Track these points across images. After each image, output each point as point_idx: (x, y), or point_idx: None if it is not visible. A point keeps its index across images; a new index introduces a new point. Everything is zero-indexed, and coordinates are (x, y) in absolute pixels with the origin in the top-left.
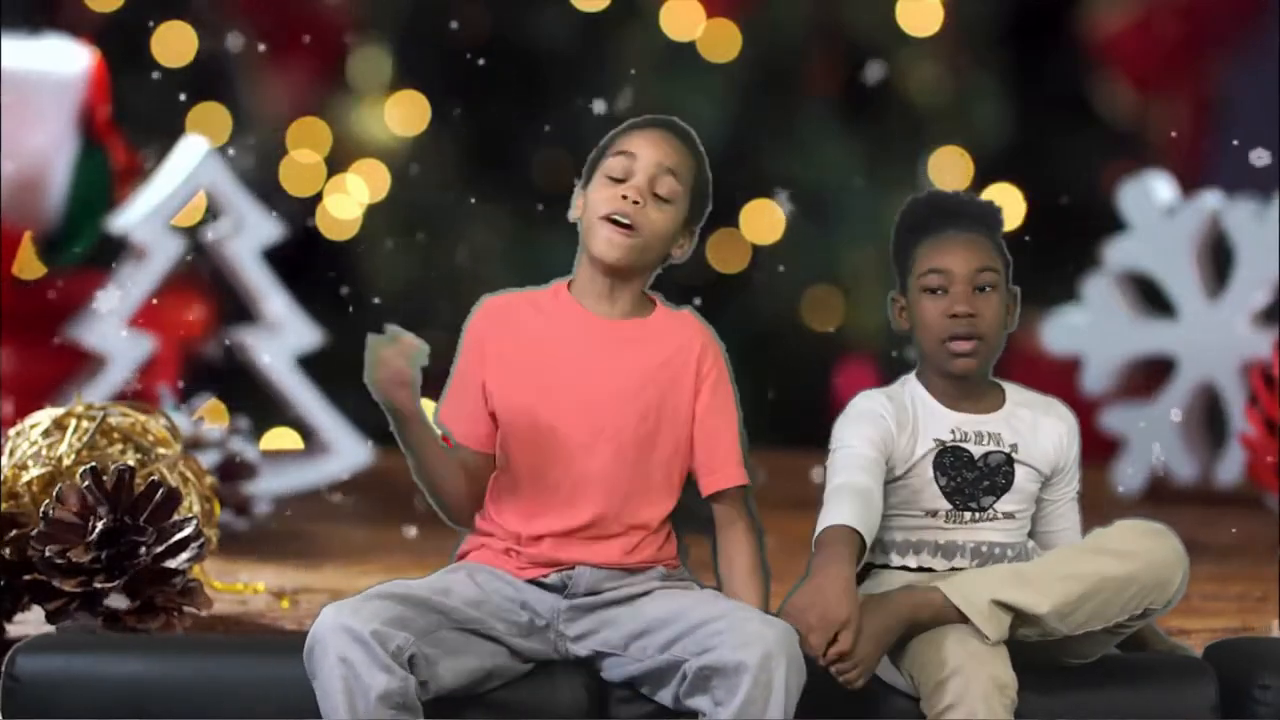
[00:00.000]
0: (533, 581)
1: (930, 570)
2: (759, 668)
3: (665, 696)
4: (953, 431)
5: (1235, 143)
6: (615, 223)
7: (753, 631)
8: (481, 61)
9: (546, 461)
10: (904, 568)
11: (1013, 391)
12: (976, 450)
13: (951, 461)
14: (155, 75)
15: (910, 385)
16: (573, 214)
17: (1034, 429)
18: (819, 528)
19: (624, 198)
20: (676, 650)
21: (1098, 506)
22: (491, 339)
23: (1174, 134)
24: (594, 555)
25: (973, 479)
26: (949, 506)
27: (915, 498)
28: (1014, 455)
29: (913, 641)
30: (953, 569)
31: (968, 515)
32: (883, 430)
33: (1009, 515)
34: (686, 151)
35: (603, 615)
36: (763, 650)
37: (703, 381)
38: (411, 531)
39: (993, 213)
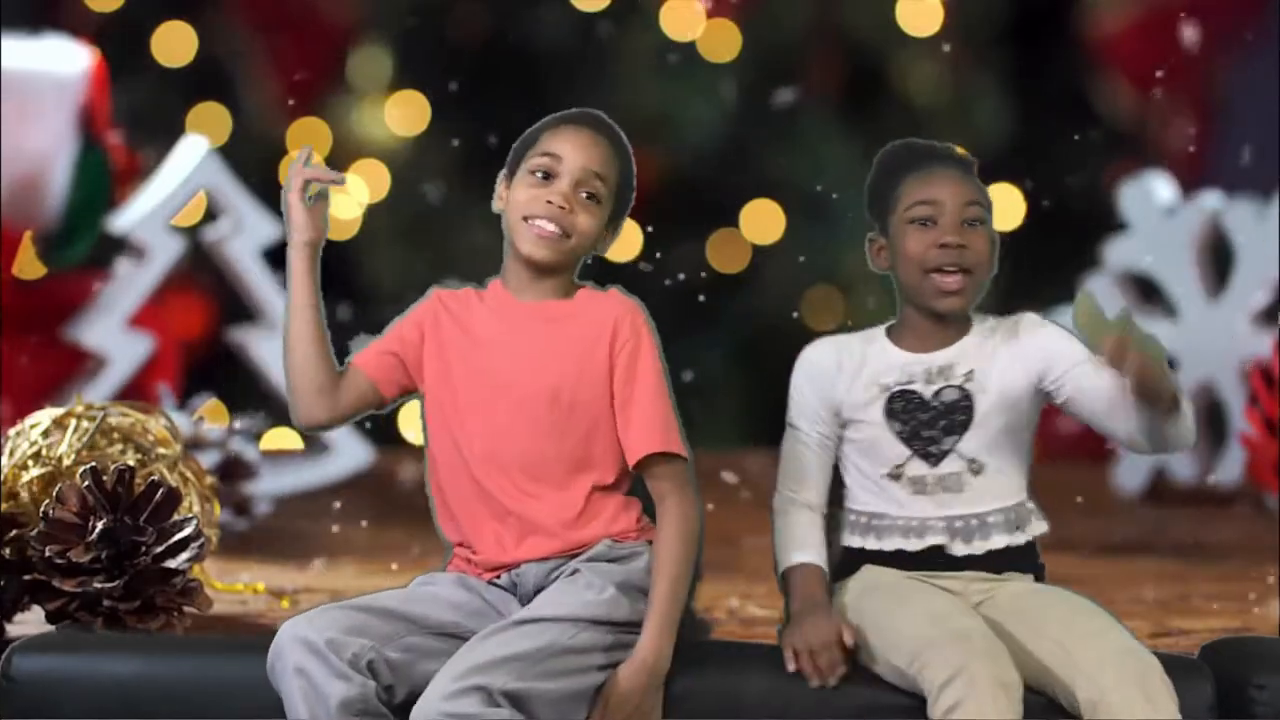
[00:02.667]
0: (492, 583)
1: (903, 552)
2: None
3: None
4: (900, 372)
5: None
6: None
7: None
8: (481, 62)
9: (472, 448)
10: (880, 551)
11: (980, 321)
12: (927, 390)
13: (903, 406)
14: (155, 75)
15: (873, 332)
16: (496, 205)
17: (994, 354)
18: (783, 556)
19: (549, 202)
20: None
21: (1098, 506)
22: (429, 323)
23: (1174, 134)
24: (534, 550)
25: (927, 419)
26: (908, 452)
27: (874, 449)
28: (968, 386)
29: (913, 641)
30: (929, 548)
31: (929, 463)
32: (822, 390)
33: (975, 464)
34: (612, 152)
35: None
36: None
37: (618, 354)
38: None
39: (971, 161)
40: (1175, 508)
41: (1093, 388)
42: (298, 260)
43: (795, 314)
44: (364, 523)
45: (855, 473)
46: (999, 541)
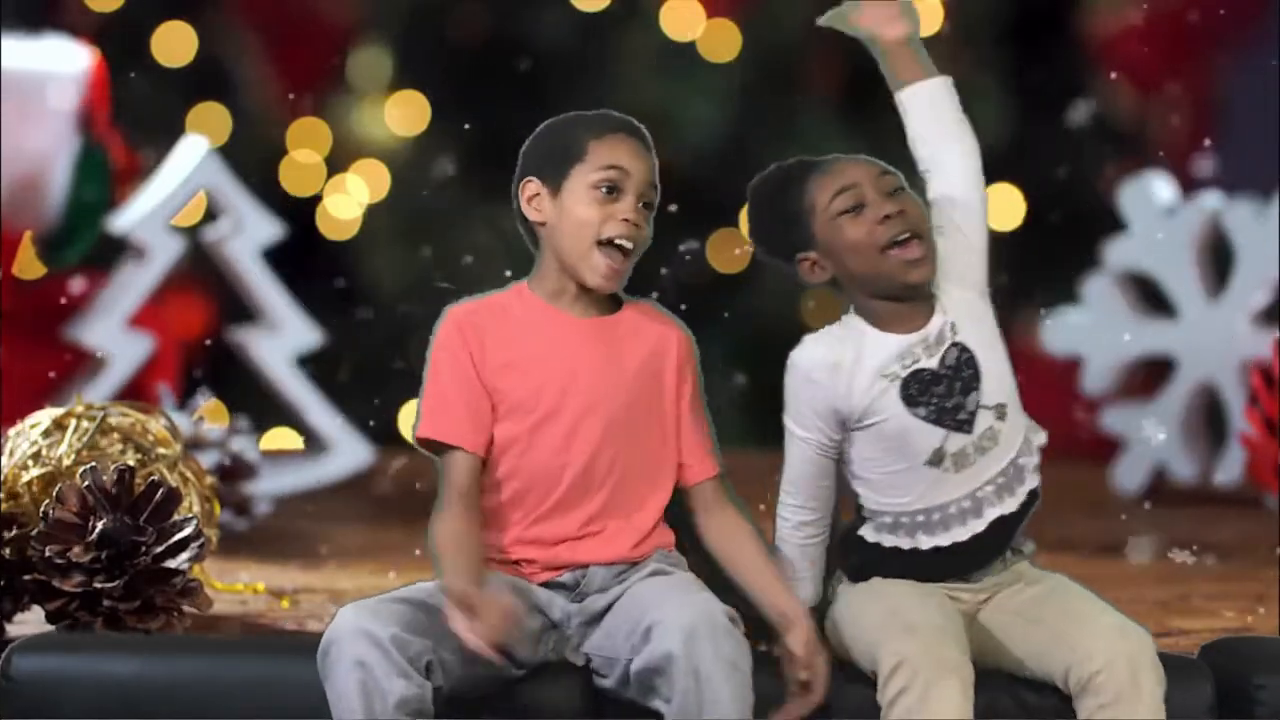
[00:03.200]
0: (546, 584)
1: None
2: (684, 651)
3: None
4: (901, 358)
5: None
6: (617, 249)
7: (673, 614)
8: (481, 62)
9: (549, 464)
10: (915, 549)
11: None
12: (932, 362)
13: (919, 389)
14: (155, 75)
15: (851, 321)
16: (533, 214)
17: (944, 289)
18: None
19: (625, 220)
20: (621, 655)
21: (1098, 506)
22: (474, 346)
23: (1174, 134)
24: (603, 553)
25: (944, 390)
26: (943, 431)
27: (905, 442)
28: (959, 338)
29: (870, 633)
30: (991, 523)
31: (965, 431)
32: (820, 396)
33: (1000, 409)
34: (654, 157)
35: (600, 623)
36: (684, 631)
37: (682, 375)
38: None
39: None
40: (1175, 508)
41: (958, 187)
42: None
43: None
44: (364, 523)
45: (880, 473)
46: (1031, 480)
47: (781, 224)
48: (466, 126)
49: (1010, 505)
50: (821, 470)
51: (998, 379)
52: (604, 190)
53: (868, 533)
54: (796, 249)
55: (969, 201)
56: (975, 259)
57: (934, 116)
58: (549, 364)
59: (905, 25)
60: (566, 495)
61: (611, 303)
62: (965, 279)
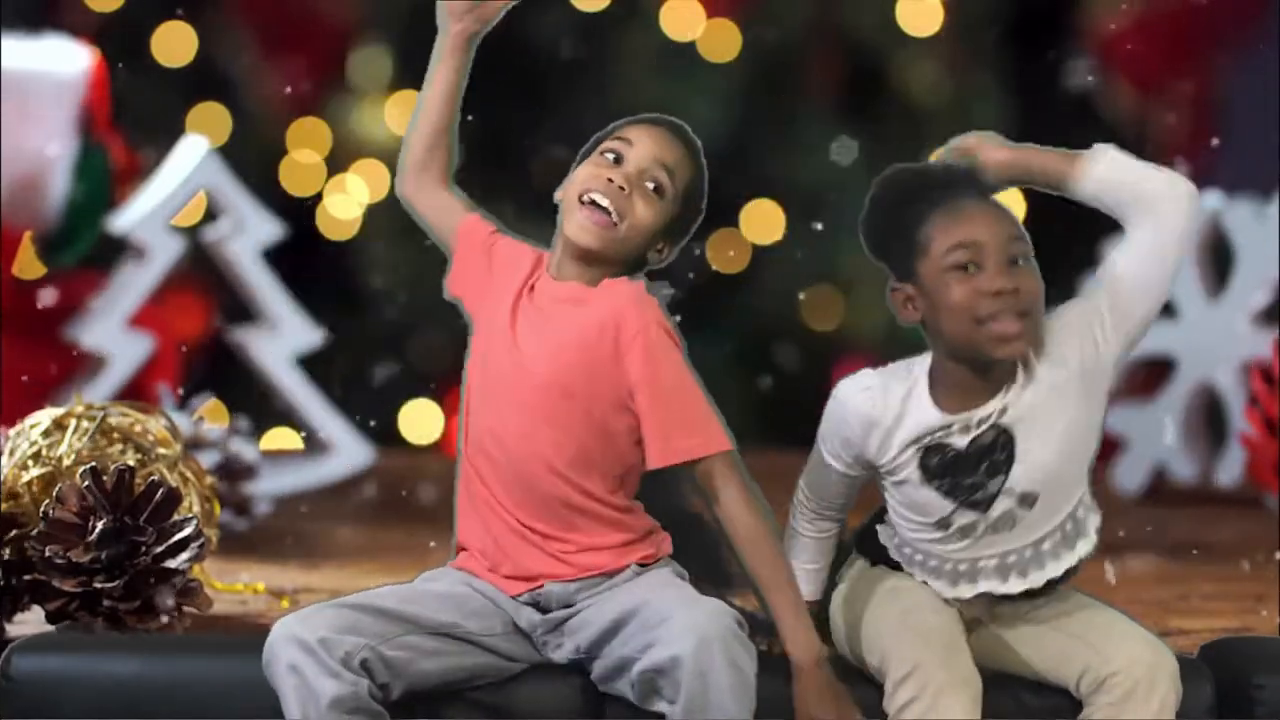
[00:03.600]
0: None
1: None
2: (694, 657)
3: (635, 699)
4: (935, 432)
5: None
6: (595, 205)
7: (684, 619)
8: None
9: (491, 425)
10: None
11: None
12: (961, 441)
13: (938, 461)
14: (155, 75)
15: (912, 373)
16: (557, 193)
17: (1041, 393)
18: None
19: (610, 180)
20: (625, 651)
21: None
22: (499, 257)
23: (1174, 134)
24: (561, 569)
25: (965, 468)
26: (952, 504)
27: (915, 504)
28: (1002, 421)
29: (881, 638)
30: (979, 595)
31: (979, 510)
32: (851, 443)
33: (1028, 497)
34: (687, 155)
35: (573, 623)
36: (696, 636)
37: (624, 355)
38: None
39: (990, 185)
40: (1175, 508)
41: (1122, 260)
42: (451, 46)
43: (795, 314)
44: (364, 523)
45: (897, 511)
46: (1053, 569)
47: (891, 240)
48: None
49: (1011, 586)
50: (842, 489)
51: (1039, 469)
52: (608, 156)
53: (883, 534)
54: (896, 274)
55: (1138, 280)
56: (1112, 335)
57: (1116, 195)
58: (505, 315)
59: (998, 144)
60: (497, 469)
61: (596, 278)
62: (1075, 355)
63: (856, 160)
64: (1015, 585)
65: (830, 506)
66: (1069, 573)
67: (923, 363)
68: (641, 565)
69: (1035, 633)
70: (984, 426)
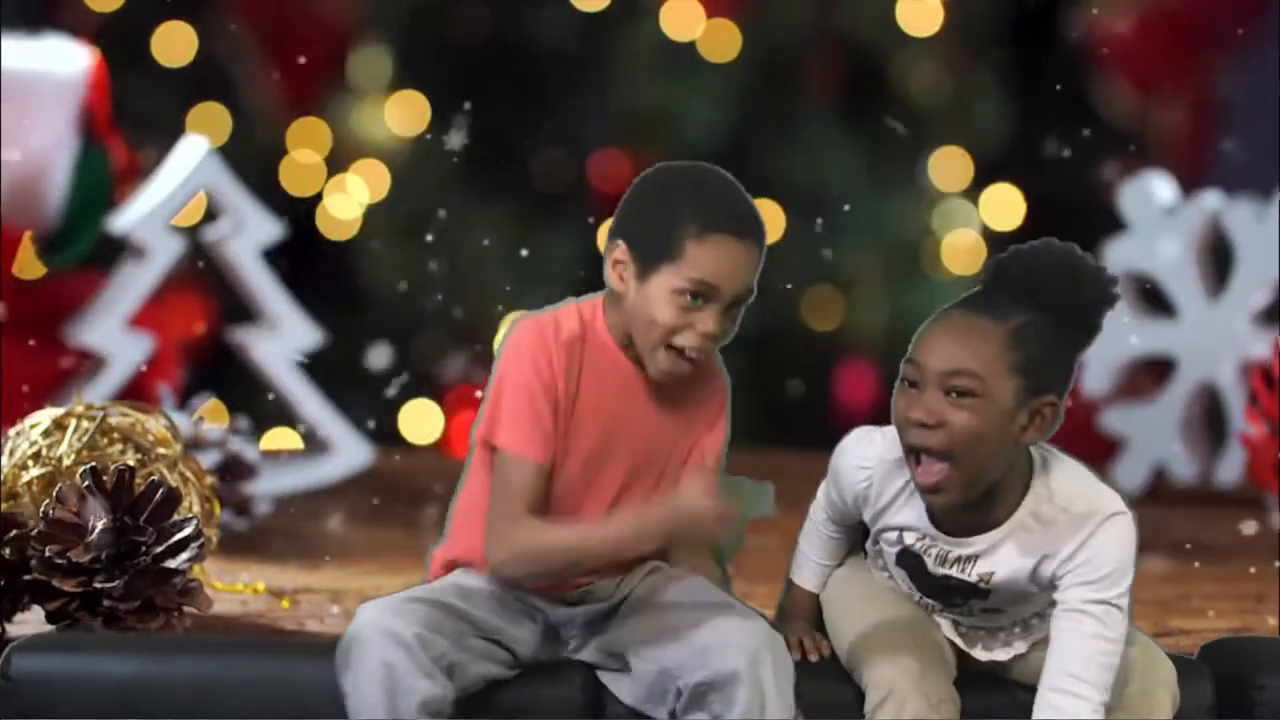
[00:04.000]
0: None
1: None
2: (749, 672)
3: (662, 713)
4: (917, 538)
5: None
6: (682, 355)
7: (738, 636)
8: (482, 61)
9: (567, 499)
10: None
11: (1040, 492)
12: (936, 569)
13: (915, 566)
14: (155, 75)
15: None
16: (615, 283)
17: (1024, 558)
18: (793, 568)
19: (704, 335)
20: (670, 667)
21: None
22: (558, 364)
23: (1174, 134)
24: (606, 571)
25: (937, 589)
26: (919, 594)
27: (894, 574)
28: (981, 586)
29: (856, 647)
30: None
31: (951, 611)
32: (845, 507)
33: (1001, 614)
34: (759, 253)
35: (605, 624)
36: (750, 653)
37: (713, 426)
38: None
39: (1021, 321)
40: (1175, 508)
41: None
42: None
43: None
44: (364, 523)
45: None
46: (1015, 650)
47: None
48: (467, 106)
49: (966, 648)
50: (847, 517)
51: (1006, 602)
52: (690, 297)
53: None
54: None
55: None
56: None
57: None
58: (606, 405)
59: None
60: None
61: None
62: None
63: (857, 160)
64: (976, 652)
65: (842, 522)
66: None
67: None
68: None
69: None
70: (961, 574)
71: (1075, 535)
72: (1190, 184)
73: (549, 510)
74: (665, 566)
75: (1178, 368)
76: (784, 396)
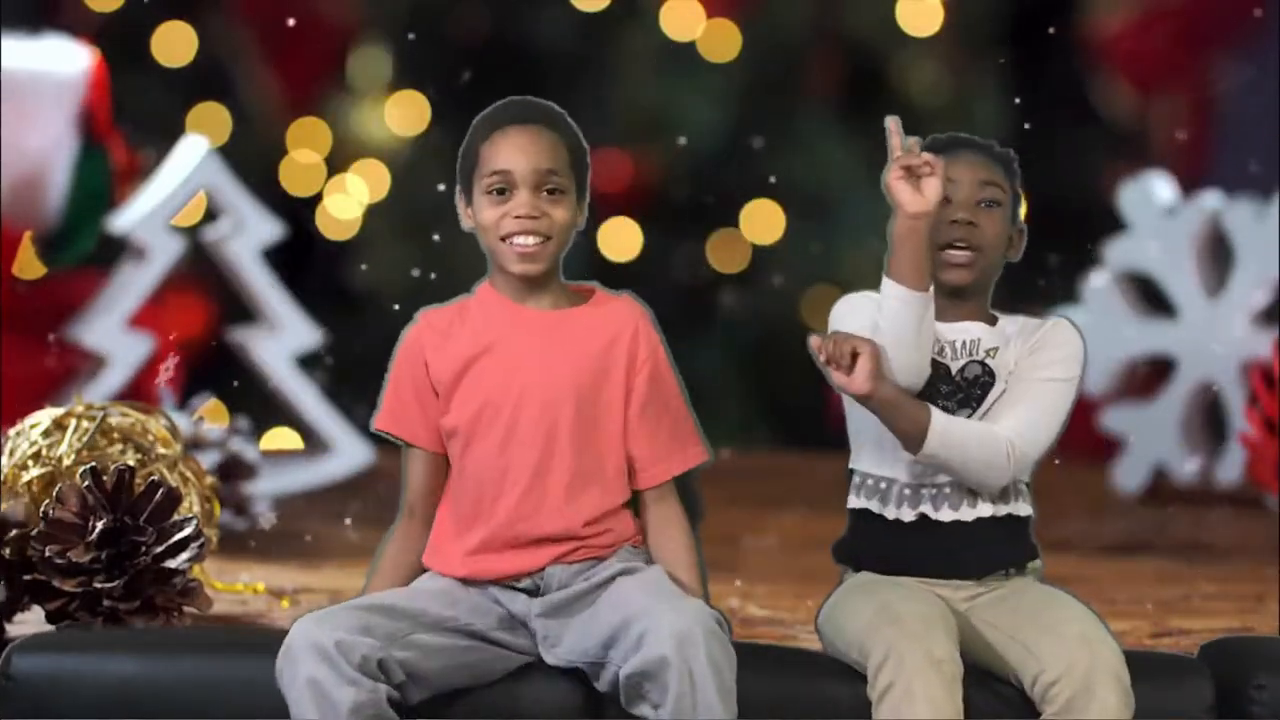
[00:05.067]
0: (501, 585)
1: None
2: (677, 655)
3: (622, 704)
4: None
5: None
6: (518, 244)
7: (666, 622)
8: (481, 61)
9: (497, 463)
10: (882, 517)
11: (1007, 317)
12: (954, 364)
13: (929, 378)
14: (155, 75)
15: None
16: (465, 223)
17: (1010, 341)
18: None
19: (517, 218)
20: (612, 655)
21: (1098, 506)
22: (431, 348)
23: (1174, 134)
24: (562, 557)
25: (946, 391)
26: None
27: None
28: (990, 363)
29: (858, 632)
30: (918, 516)
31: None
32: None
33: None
34: (554, 137)
35: (569, 620)
36: (677, 636)
37: (636, 374)
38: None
39: (1001, 151)
40: (1175, 508)
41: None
42: None
43: (795, 314)
44: (364, 523)
45: (875, 434)
46: (984, 509)
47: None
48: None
49: (947, 514)
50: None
51: (1005, 418)
52: (495, 193)
53: (855, 500)
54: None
55: None
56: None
57: (947, 467)
58: (495, 361)
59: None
60: (509, 497)
61: (577, 297)
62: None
63: (857, 160)
64: (945, 514)
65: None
66: (996, 523)
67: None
68: (634, 548)
69: (994, 636)
70: (973, 356)
71: (1039, 328)
72: (1190, 184)
73: (474, 478)
74: (631, 565)
75: (1178, 367)
76: (784, 396)
